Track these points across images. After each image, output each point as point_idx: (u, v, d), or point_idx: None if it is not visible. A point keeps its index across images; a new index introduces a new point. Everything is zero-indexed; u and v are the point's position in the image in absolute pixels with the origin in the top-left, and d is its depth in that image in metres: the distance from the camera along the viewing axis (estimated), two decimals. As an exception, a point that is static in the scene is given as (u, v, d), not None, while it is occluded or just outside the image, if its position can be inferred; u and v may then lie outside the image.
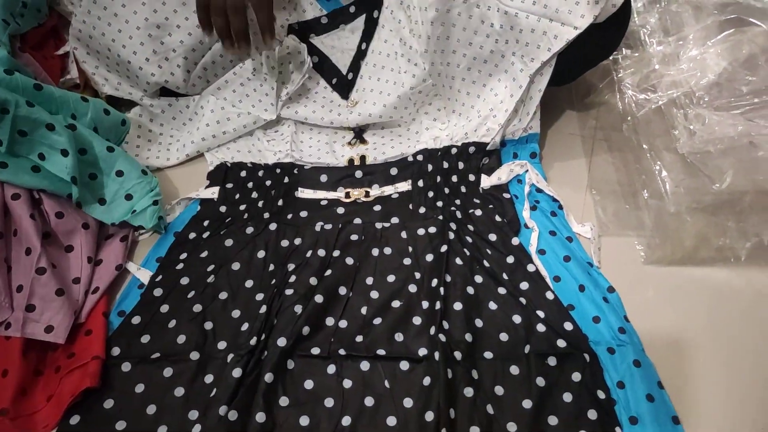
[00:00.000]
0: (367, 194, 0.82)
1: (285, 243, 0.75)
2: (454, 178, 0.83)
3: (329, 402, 0.61)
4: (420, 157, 0.85)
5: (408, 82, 0.84)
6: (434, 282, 0.69)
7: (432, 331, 0.65)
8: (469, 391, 0.60)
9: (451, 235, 0.75)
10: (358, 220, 0.78)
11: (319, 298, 0.68)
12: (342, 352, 0.64)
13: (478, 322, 0.67)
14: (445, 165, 0.84)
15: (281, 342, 0.63)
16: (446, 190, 0.81)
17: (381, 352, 0.64)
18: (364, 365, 0.64)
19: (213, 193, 0.83)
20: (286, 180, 0.84)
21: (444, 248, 0.73)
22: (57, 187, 0.71)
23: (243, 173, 0.86)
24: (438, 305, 0.67)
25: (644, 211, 0.77)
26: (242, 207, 0.82)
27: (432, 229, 0.75)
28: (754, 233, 0.72)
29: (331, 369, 0.64)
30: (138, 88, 0.91)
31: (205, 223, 0.79)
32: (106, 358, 0.64)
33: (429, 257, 0.72)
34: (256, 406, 0.59)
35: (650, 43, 0.82)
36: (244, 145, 0.90)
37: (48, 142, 0.71)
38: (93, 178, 0.76)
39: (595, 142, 0.90)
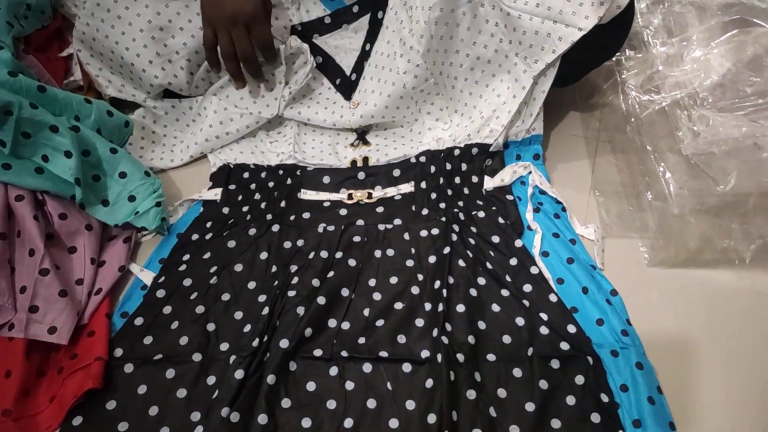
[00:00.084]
0: (369, 196, 0.82)
1: (287, 244, 0.75)
2: (457, 180, 0.83)
3: (331, 404, 0.61)
4: (423, 159, 0.85)
5: (409, 82, 0.84)
6: (437, 284, 0.69)
7: (434, 333, 0.65)
8: (471, 394, 0.60)
9: (454, 237, 0.74)
10: (360, 222, 0.78)
11: (321, 300, 0.68)
12: (344, 353, 0.64)
13: (481, 325, 0.67)
14: (448, 166, 0.84)
15: (283, 344, 0.63)
16: (449, 192, 0.81)
17: (383, 354, 0.64)
18: (367, 367, 0.64)
19: (216, 194, 0.83)
20: (289, 181, 0.84)
21: (447, 250, 0.73)
22: (60, 189, 0.72)
23: (246, 175, 0.86)
24: (441, 307, 0.66)
25: (648, 212, 0.76)
26: (245, 208, 0.81)
27: (435, 231, 0.75)
28: (759, 235, 0.72)
29: (334, 371, 0.63)
30: (141, 90, 0.91)
31: (208, 224, 0.79)
32: (109, 360, 0.64)
33: (432, 259, 0.72)
34: (258, 407, 0.59)
35: (654, 44, 0.82)
36: (246, 147, 0.90)
37: (51, 144, 0.71)
38: (96, 179, 0.76)
39: (599, 144, 0.90)
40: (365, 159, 0.87)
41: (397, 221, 0.78)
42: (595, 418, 0.59)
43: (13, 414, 0.59)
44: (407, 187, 0.83)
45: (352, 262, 0.73)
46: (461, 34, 0.80)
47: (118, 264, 0.73)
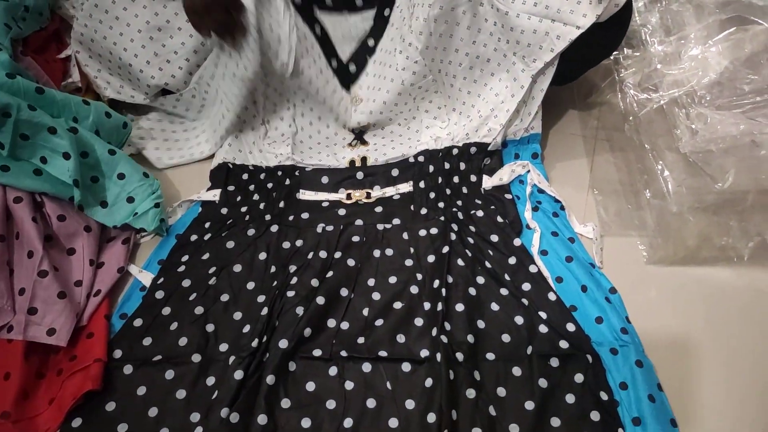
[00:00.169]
0: (368, 195, 0.82)
1: (286, 245, 0.75)
2: (456, 179, 0.83)
3: (331, 404, 0.61)
4: (421, 158, 0.85)
5: (408, 79, 0.84)
6: (436, 283, 0.69)
7: (434, 332, 0.65)
8: (471, 393, 0.60)
9: (453, 236, 0.74)
10: (359, 222, 0.78)
11: (320, 300, 0.68)
12: (344, 353, 0.64)
13: (480, 323, 0.67)
14: (447, 166, 0.84)
15: (283, 344, 0.63)
16: (447, 191, 0.81)
17: (383, 353, 0.64)
18: (366, 367, 0.64)
19: (214, 195, 0.83)
20: (288, 182, 0.84)
21: (446, 249, 0.73)
22: (59, 191, 0.72)
23: (245, 176, 0.86)
24: (440, 306, 0.66)
25: (646, 210, 0.76)
26: (243, 209, 0.82)
27: (433, 230, 0.75)
28: (757, 232, 0.72)
29: (333, 371, 0.63)
30: (140, 91, 0.91)
31: (207, 225, 0.79)
32: (108, 361, 0.64)
33: (431, 258, 0.72)
34: (257, 408, 0.59)
35: (651, 42, 0.82)
36: (245, 146, 0.89)
37: (50, 146, 0.71)
38: (95, 181, 0.76)
39: (597, 142, 0.90)
40: (363, 159, 0.87)
41: (396, 221, 0.78)
42: (595, 416, 0.59)
43: (13, 416, 0.59)
44: (406, 187, 0.83)
45: (351, 262, 0.73)
46: (461, 33, 0.80)
47: (117, 265, 0.73)
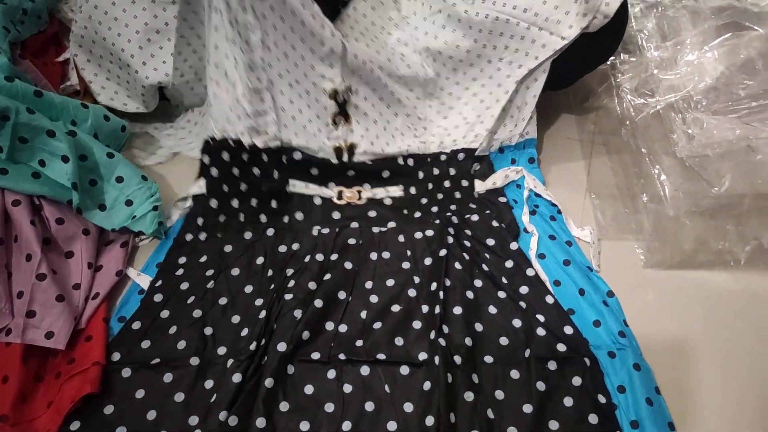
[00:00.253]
0: (359, 196, 0.82)
1: (283, 248, 0.75)
2: (447, 183, 0.83)
3: (330, 407, 0.61)
4: (410, 162, 0.84)
5: (395, 34, 0.82)
6: (433, 286, 0.69)
7: (432, 335, 0.65)
8: (469, 396, 0.60)
9: (450, 239, 0.75)
10: (354, 225, 0.78)
11: (318, 303, 0.68)
12: (342, 356, 0.64)
13: (478, 327, 0.67)
14: (436, 171, 0.84)
15: (281, 347, 0.63)
16: (440, 196, 0.81)
17: (381, 356, 0.64)
18: (364, 370, 0.64)
19: (201, 186, 0.80)
20: (276, 175, 0.81)
21: (443, 252, 0.73)
22: (57, 194, 0.72)
23: (225, 156, 0.79)
24: (437, 309, 0.67)
25: (643, 214, 0.77)
26: (234, 203, 0.80)
27: (429, 233, 0.76)
28: (753, 236, 0.72)
29: (332, 374, 0.63)
30: (134, 98, 0.90)
31: (199, 221, 0.78)
32: (107, 364, 0.64)
33: (428, 261, 0.73)
34: (256, 411, 0.59)
35: (648, 47, 0.82)
36: (221, 113, 0.80)
37: (48, 149, 0.71)
38: (93, 184, 0.76)
39: (594, 147, 0.90)
40: (351, 146, 0.83)
41: (391, 224, 0.78)
42: (593, 419, 0.59)
43: (11, 419, 0.59)
44: (396, 191, 0.83)
45: (348, 265, 0.73)
46: (447, 34, 0.80)
47: (115, 269, 0.73)
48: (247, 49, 0.76)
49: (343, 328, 0.67)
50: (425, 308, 0.68)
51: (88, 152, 0.75)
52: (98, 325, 0.67)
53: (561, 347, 0.64)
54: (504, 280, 0.71)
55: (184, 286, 0.72)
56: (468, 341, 0.65)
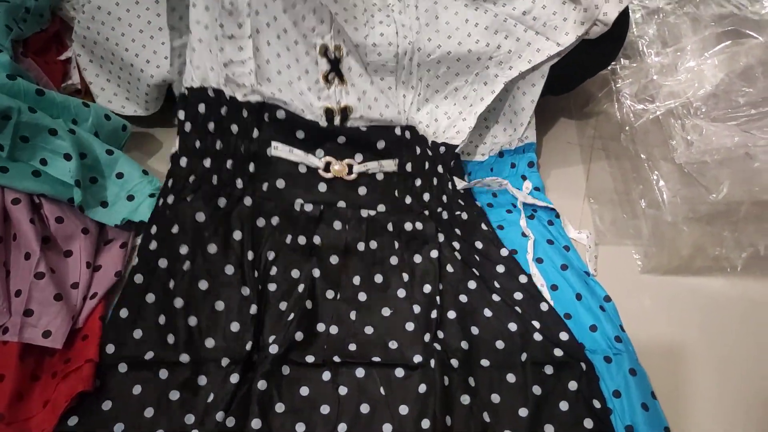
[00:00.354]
0: (350, 171, 0.76)
1: (261, 222, 0.71)
2: (440, 169, 0.79)
3: (325, 409, 0.61)
4: (408, 135, 0.79)
5: (377, 17, 0.77)
6: (427, 288, 0.69)
7: (426, 338, 0.65)
8: (465, 399, 0.60)
9: (441, 237, 0.74)
10: (341, 204, 0.74)
11: (308, 304, 0.67)
12: (336, 359, 0.64)
13: (474, 330, 0.67)
14: (430, 153, 0.80)
15: (273, 349, 0.63)
16: (435, 181, 0.78)
17: (376, 359, 0.64)
18: (359, 372, 0.64)
19: (174, 147, 0.75)
20: (256, 134, 0.75)
21: (435, 254, 0.72)
22: (57, 192, 0.72)
23: (201, 107, 0.74)
24: (434, 314, 0.67)
25: (641, 220, 0.77)
26: (206, 162, 0.73)
27: (419, 225, 0.74)
28: (750, 243, 0.73)
29: (326, 376, 0.63)
30: (133, 101, 0.90)
31: (169, 182, 0.72)
32: (102, 358, 0.63)
33: (417, 258, 0.72)
34: (251, 412, 0.59)
35: (648, 53, 0.83)
36: (204, 61, 0.76)
37: (50, 147, 0.71)
38: (94, 181, 0.76)
39: (593, 152, 0.90)
40: (345, 109, 0.76)
41: (381, 207, 0.75)
42: (588, 423, 0.59)
43: (6, 418, 0.59)
44: (390, 165, 0.78)
45: (334, 260, 0.71)
46: (438, 25, 0.78)
47: (114, 269, 0.73)
48: None
49: (333, 329, 0.67)
50: (417, 309, 0.68)
51: (88, 150, 0.75)
52: (95, 325, 0.67)
53: (557, 352, 0.64)
54: (496, 285, 0.71)
55: (162, 263, 0.68)
56: (464, 345, 0.65)
